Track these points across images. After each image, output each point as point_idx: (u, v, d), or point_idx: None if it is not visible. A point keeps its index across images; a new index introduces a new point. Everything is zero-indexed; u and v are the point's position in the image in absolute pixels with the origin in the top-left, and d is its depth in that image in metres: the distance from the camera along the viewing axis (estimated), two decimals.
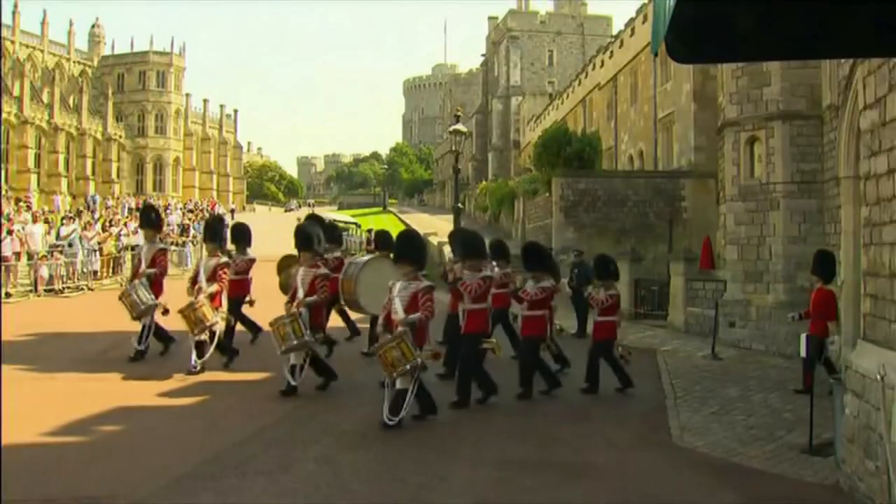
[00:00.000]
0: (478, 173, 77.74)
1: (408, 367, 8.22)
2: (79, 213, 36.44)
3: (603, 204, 29.39)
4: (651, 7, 21.75)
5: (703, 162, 30.29)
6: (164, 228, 23.93)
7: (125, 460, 6.89)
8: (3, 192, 49.14)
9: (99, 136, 74.44)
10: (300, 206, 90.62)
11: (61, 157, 68.86)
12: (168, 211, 45.34)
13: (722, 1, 4.17)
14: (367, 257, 13.43)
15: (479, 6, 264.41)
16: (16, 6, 71.76)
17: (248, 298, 12.64)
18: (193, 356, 10.81)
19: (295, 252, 10.84)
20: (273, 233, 44.78)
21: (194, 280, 11.53)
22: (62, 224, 27.31)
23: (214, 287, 11.19)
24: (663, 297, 18.92)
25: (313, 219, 14.98)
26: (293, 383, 9.57)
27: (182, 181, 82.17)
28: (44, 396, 9.21)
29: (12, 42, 70.83)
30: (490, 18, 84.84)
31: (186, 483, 6.38)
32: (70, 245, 24.33)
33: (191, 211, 48.32)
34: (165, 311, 11.64)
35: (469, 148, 75.98)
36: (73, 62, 79.05)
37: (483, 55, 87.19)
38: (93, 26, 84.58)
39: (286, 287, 11.63)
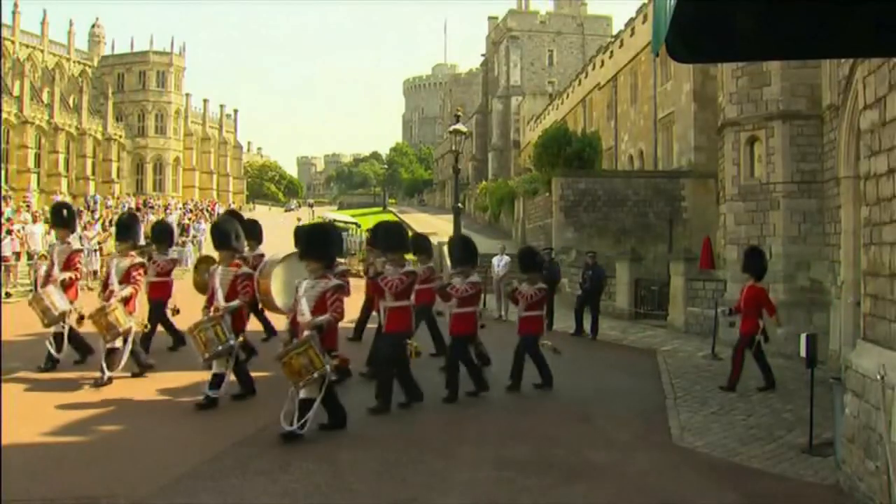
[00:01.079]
0: (478, 173, 77.73)
1: (315, 375, 7.59)
2: (79, 213, 36.39)
3: (603, 204, 29.40)
4: (651, 7, 21.77)
5: (703, 162, 30.29)
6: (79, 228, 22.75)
7: (125, 460, 6.88)
8: (4, 192, 49.12)
9: (99, 135, 74.45)
10: (300, 206, 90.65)
11: (61, 157, 68.90)
12: (168, 210, 45.41)
13: (722, 1, 4.17)
14: (284, 252, 12.18)
15: (479, 6, 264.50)
16: (16, 6, 71.79)
17: (172, 306, 11.88)
18: (103, 365, 9.86)
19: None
20: (273, 233, 44.87)
21: (106, 283, 10.63)
22: None
23: (128, 290, 10.25)
24: (663, 297, 18.94)
25: (232, 214, 14.53)
26: (212, 395, 8.84)
27: (182, 181, 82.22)
28: (44, 396, 9.21)
29: (12, 42, 70.84)
30: (490, 18, 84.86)
31: (186, 483, 6.38)
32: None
33: (191, 211, 48.32)
34: (81, 318, 10.64)
35: (469, 148, 75.99)
36: (73, 62, 79.06)
37: (483, 55, 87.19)
38: (93, 26, 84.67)
39: (202, 287, 10.98)
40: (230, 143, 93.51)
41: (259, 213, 78.93)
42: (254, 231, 13.45)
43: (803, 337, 8.77)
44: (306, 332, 7.77)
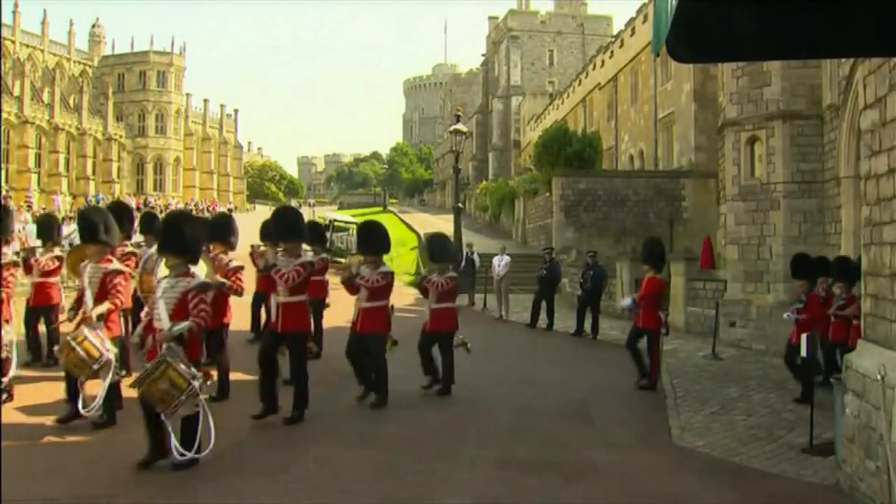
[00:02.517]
0: (478, 173, 77.73)
1: (183, 397, 6.42)
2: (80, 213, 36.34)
3: (603, 204, 29.44)
4: (651, 7, 21.77)
5: (703, 162, 30.33)
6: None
7: (125, 460, 6.87)
8: (4, 192, 49.13)
9: (99, 135, 74.52)
10: (300, 206, 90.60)
11: (62, 157, 68.98)
12: (169, 210, 45.41)
13: (723, 1, 4.17)
14: None
15: (480, 6, 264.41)
16: (16, 6, 71.90)
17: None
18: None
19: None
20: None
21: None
22: (63, 224, 27.29)
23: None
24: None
25: (118, 206, 13.24)
26: (85, 413, 7.48)
27: (182, 181, 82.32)
28: (44, 396, 9.20)
29: (13, 42, 70.91)
30: (490, 18, 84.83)
31: (187, 483, 6.38)
32: (71, 245, 24.32)
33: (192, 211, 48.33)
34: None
35: (469, 148, 75.99)
36: (74, 62, 79.17)
37: (483, 55, 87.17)
38: (93, 26, 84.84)
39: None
40: (230, 142, 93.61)
41: (260, 212, 79.15)
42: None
43: (804, 337, 8.77)
44: (162, 347, 6.53)
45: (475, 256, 22.86)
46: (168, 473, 6.54)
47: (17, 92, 66.14)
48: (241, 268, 9.55)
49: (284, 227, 8.84)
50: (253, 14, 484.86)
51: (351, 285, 9.39)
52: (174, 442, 6.44)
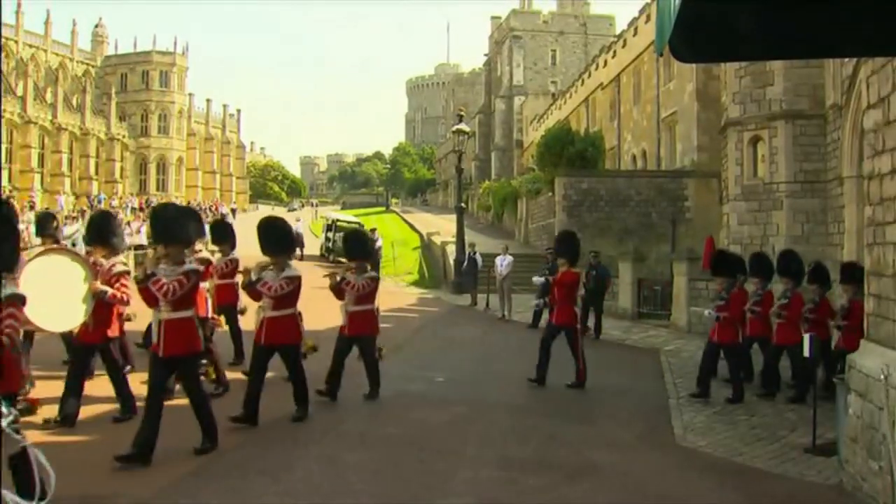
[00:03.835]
0: (480, 173, 77.71)
1: None
2: (82, 213, 36.45)
3: (606, 203, 29.41)
4: (654, 7, 21.76)
5: (706, 162, 30.30)
6: None
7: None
8: (7, 192, 49.19)
9: (102, 135, 74.59)
10: (303, 206, 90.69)
11: (64, 157, 69.06)
12: None
13: (726, 0, 4.16)
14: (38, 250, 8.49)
15: (482, 6, 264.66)
16: (19, 6, 71.92)
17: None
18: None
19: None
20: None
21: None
22: (65, 224, 27.34)
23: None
24: (666, 297, 18.90)
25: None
26: None
27: (185, 181, 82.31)
28: (45, 396, 9.20)
29: (16, 42, 70.98)
30: (493, 18, 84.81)
31: (189, 482, 6.38)
32: (73, 245, 24.37)
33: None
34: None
35: (472, 147, 75.91)
36: (77, 62, 79.25)
37: (486, 55, 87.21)
38: (96, 26, 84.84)
39: None
40: (233, 142, 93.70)
41: (262, 212, 79.21)
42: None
43: (807, 337, 8.76)
44: None
45: (478, 256, 22.83)
46: (169, 473, 6.54)
47: (20, 92, 66.20)
48: (127, 272, 8.21)
49: (166, 230, 7.25)
50: (255, 14, 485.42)
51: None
52: (9, 495, 4.97)
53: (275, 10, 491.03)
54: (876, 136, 6.77)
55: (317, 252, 36.10)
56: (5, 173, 60.27)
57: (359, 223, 37.80)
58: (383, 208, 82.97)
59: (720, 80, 19.94)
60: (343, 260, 36.00)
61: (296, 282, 8.39)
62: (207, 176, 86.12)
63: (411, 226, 49.78)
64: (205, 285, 9.34)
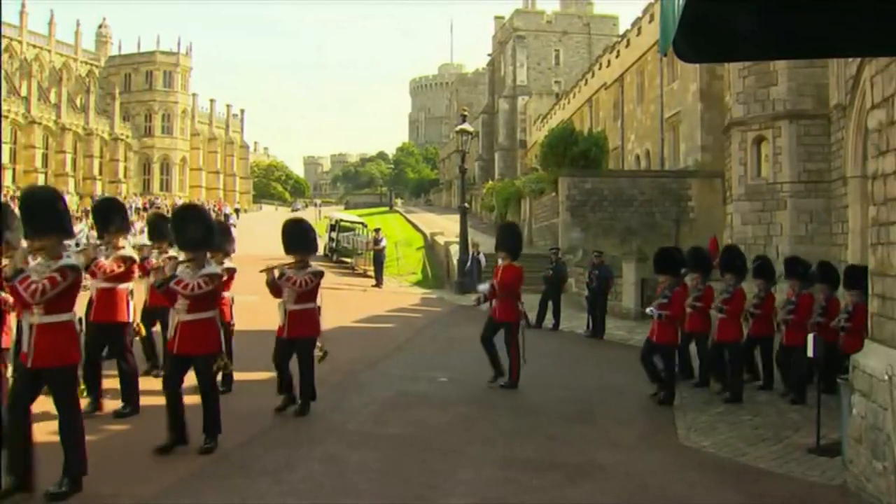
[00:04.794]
0: (484, 173, 77.72)
1: None
2: (86, 213, 36.52)
3: (609, 203, 29.39)
4: (658, 7, 21.74)
5: (709, 161, 30.29)
6: None
7: (130, 459, 6.89)
8: (11, 193, 49.28)
9: (106, 136, 74.76)
10: (306, 206, 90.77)
11: (68, 157, 69.28)
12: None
13: (729, 1, 4.16)
14: None
15: (486, 5, 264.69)
16: (23, 6, 72.15)
17: None
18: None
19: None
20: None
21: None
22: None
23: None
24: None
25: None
26: None
27: (189, 181, 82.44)
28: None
29: (20, 42, 71.15)
30: (496, 18, 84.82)
31: (191, 482, 6.39)
32: (77, 245, 24.40)
33: None
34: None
35: (475, 147, 75.95)
36: (80, 62, 79.47)
37: (489, 55, 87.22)
38: (100, 26, 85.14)
39: None
40: (236, 142, 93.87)
41: (266, 212, 79.28)
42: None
43: (811, 337, 8.73)
44: None
45: (481, 256, 22.86)
46: (172, 472, 6.55)
47: (24, 92, 66.43)
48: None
49: (36, 221, 6.21)
50: (259, 14, 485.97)
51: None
52: None
53: (278, 11, 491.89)
54: (880, 135, 6.75)
55: (320, 252, 36.15)
56: (9, 173, 60.46)
57: (362, 223, 37.88)
58: (387, 208, 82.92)
59: (724, 80, 19.91)
60: (347, 259, 36.04)
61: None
62: (211, 176, 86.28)
63: (415, 226, 49.78)
64: (129, 286, 8.62)
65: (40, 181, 64.07)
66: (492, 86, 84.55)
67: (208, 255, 9.15)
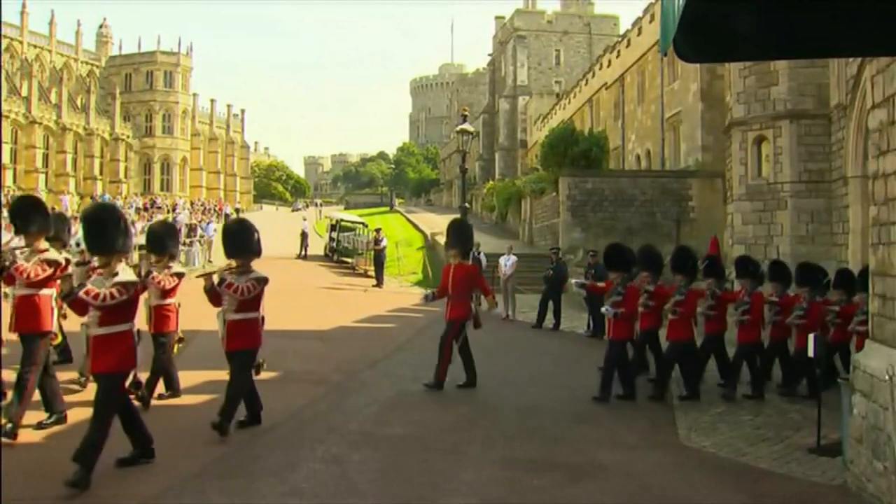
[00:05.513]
0: (484, 173, 77.69)
1: None
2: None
3: (610, 203, 29.40)
4: (658, 6, 21.75)
5: (710, 161, 30.28)
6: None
7: None
8: (11, 192, 49.30)
9: (107, 135, 74.75)
10: (307, 206, 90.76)
11: (69, 157, 69.30)
12: (176, 210, 45.54)
13: (730, 0, 4.17)
14: None
15: (486, 5, 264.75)
16: (24, 7, 72.16)
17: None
18: None
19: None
20: (279, 232, 44.92)
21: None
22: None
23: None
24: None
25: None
26: None
27: (189, 181, 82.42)
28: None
29: (21, 42, 71.18)
30: (497, 18, 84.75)
31: (193, 482, 6.40)
32: (77, 244, 24.36)
33: (200, 211, 48.41)
34: None
35: (476, 147, 75.94)
36: (81, 62, 79.44)
37: (490, 55, 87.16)
38: (100, 26, 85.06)
39: None
40: (237, 142, 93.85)
41: (266, 212, 79.27)
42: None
43: (811, 337, 8.74)
44: None
45: (482, 256, 22.85)
46: (174, 472, 6.56)
47: (24, 92, 66.43)
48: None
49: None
50: (259, 14, 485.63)
51: (214, 295, 7.86)
52: None
53: (278, 11, 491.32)
54: (881, 135, 6.76)
55: (321, 252, 36.21)
56: (10, 173, 60.50)
57: (363, 223, 37.88)
58: (387, 208, 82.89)
59: (724, 80, 19.91)
60: (348, 259, 35.94)
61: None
62: (212, 176, 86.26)
63: (415, 226, 49.76)
64: (49, 292, 7.85)
65: (41, 181, 64.18)
66: (492, 86, 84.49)
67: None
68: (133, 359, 6.59)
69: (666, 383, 10.74)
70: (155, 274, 8.81)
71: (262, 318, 8.11)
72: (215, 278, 7.82)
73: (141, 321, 7.24)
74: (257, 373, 8.20)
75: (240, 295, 7.75)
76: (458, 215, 29.68)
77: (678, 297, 10.75)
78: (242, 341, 7.86)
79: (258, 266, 8.24)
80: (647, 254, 11.55)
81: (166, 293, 9.05)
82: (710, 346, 11.22)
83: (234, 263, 8.11)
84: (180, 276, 9.24)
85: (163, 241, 9.39)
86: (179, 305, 9.32)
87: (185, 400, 9.43)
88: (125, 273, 6.64)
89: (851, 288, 11.06)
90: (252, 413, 8.17)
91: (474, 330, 10.86)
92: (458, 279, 10.71)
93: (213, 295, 7.86)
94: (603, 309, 10.94)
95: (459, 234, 11.23)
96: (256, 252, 8.20)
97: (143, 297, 7.64)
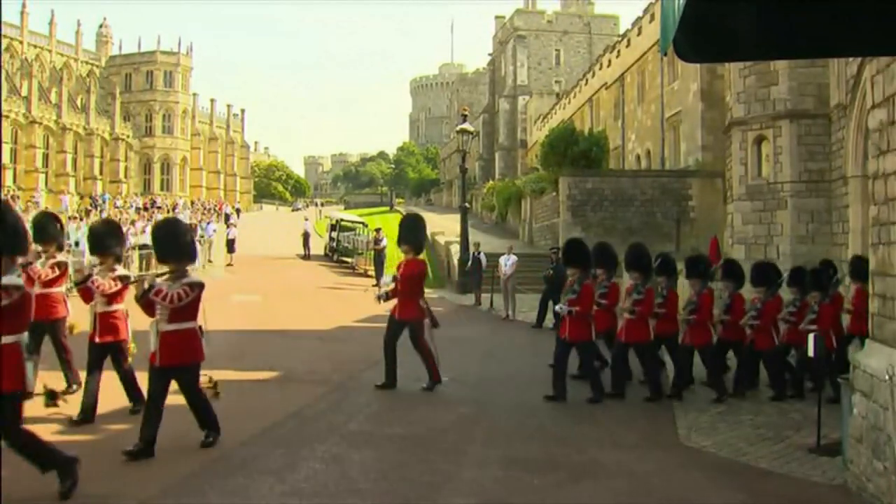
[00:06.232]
0: (485, 173, 77.74)
1: None
2: (87, 213, 36.53)
3: (610, 203, 29.40)
4: (658, 6, 21.75)
5: (710, 161, 30.30)
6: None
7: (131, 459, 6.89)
8: (11, 192, 49.31)
9: (107, 135, 74.75)
10: (307, 206, 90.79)
11: (69, 157, 69.29)
12: (176, 210, 45.52)
13: (730, 0, 4.17)
14: None
15: (487, 5, 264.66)
16: (24, 6, 72.17)
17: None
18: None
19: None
20: (280, 232, 44.90)
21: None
22: (69, 223, 27.33)
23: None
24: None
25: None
26: None
27: (189, 181, 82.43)
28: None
29: (21, 42, 71.19)
30: (497, 17, 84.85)
31: (193, 482, 6.40)
32: (77, 244, 24.39)
33: (201, 211, 48.39)
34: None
35: (476, 147, 75.95)
36: (81, 62, 79.45)
37: (490, 54, 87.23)
38: (100, 26, 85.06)
39: None
40: (237, 142, 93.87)
41: (266, 212, 79.32)
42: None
43: (811, 337, 8.74)
44: None
45: (482, 256, 22.87)
46: (174, 472, 6.56)
47: (24, 92, 66.43)
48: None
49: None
50: (259, 14, 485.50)
51: (147, 304, 7.04)
52: None
53: (278, 11, 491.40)
54: (881, 135, 6.76)
55: (321, 252, 36.22)
56: (10, 173, 60.53)
57: (363, 223, 37.89)
58: (387, 208, 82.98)
59: (725, 80, 19.92)
60: (348, 259, 35.93)
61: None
62: (212, 176, 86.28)
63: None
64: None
65: (41, 181, 64.16)
66: (492, 85, 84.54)
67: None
68: (18, 380, 5.66)
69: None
70: (95, 277, 8.07)
71: (201, 329, 7.22)
72: (146, 284, 7.01)
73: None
74: (216, 395, 7.88)
75: (169, 302, 6.90)
76: (458, 214, 29.73)
77: (636, 297, 10.63)
78: (177, 356, 7.02)
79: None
80: (603, 251, 11.47)
81: (112, 298, 8.18)
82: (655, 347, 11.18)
83: (165, 268, 7.34)
84: (125, 279, 8.31)
85: (103, 240, 8.43)
86: (128, 313, 8.42)
87: (184, 400, 9.42)
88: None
89: (804, 286, 11.06)
90: (145, 441, 6.90)
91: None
92: (407, 276, 10.35)
93: (146, 303, 7.04)
94: (557, 307, 10.64)
95: (411, 228, 10.85)
96: (190, 255, 7.44)
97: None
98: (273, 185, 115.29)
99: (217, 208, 56.49)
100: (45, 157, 67.62)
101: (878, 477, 6.25)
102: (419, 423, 8.78)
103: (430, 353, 10.32)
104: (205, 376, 7.58)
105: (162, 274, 7.35)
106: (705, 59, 5.48)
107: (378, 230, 29.25)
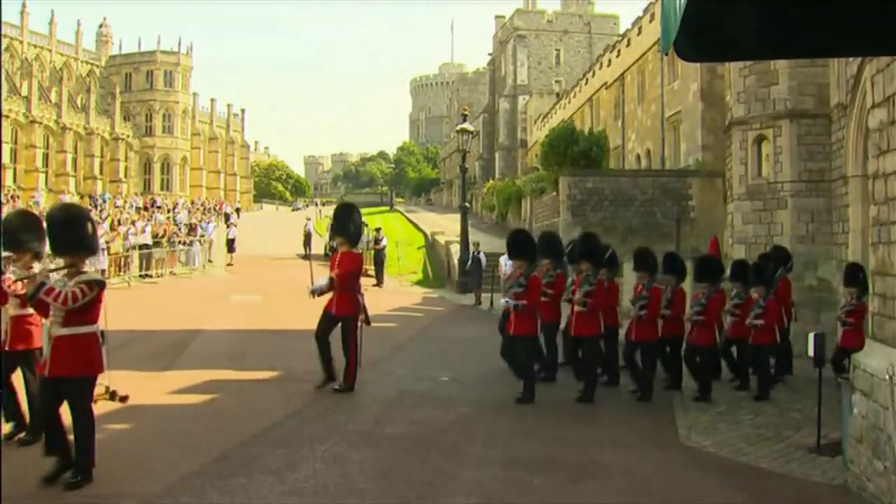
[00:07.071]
0: (485, 172, 77.70)
1: None
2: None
3: (610, 203, 29.38)
4: (658, 6, 21.75)
5: (710, 161, 30.28)
6: None
7: (133, 458, 6.90)
8: (11, 192, 49.30)
9: (107, 135, 74.73)
10: (307, 206, 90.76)
11: (69, 157, 69.28)
12: (176, 210, 45.51)
13: (731, 0, 4.17)
14: None
15: (487, 5, 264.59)
16: (24, 6, 72.16)
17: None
18: None
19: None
20: (280, 231, 44.89)
21: None
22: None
23: None
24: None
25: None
26: None
27: (189, 180, 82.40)
28: None
29: (21, 42, 71.19)
30: (497, 17, 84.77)
31: (194, 481, 6.40)
32: None
33: (201, 211, 48.38)
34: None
35: (476, 147, 75.90)
36: (81, 62, 79.41)
37: (490, 54, 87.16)
38: (100, 26, 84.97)
39: None
40: (237, 142, 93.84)
41: (266, 212, 79.33)
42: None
43: (811, 336, 8.74)
44: None
45: (482, 256, 22.88)
46: (174, 472, 6.56)
47: (24, 92, 66.41)
48: None
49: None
50: (259, 14, 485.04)
51: (40, 304, 6.22)
52: None
53: (278, 11, 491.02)
54: (881, 135, 6.76)
55: (321, 251, 36.20)
56: (10, 173, 60.52)
57: (363, 223, 37.86)
58: (387, 208, 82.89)
59: (725, 80, 19.91)
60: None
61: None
62: (212, 175, 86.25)
63: (415, 225, 49.77)
64: None
65: (41, 181, 64.13)
66: (492, 85, 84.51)
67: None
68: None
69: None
70: (7, 276, 7.06)
71: (103, 334, 6.37)
72: (39, 281, 6.16)
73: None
74: (121, 399, 6.96)
75: (63, 303, 6.02)
76: (458, 214, 29.70)
77: (587, 288, 10.56)
78: (70, 365, 6.10)
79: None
80: (548, 241, 11.42)
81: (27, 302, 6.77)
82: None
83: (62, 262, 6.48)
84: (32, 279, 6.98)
85: (16, 234, 7.12)
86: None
87: (184, 399, 9.45)
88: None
89: (748, 281, 11.08)
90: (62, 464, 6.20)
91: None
92: (345, 269, 9.95)
93: (39, 304, 6.20)
94: (503, 300, 10.45)
95: (344, 219, 10.39)
96: (89, 248, 6.51)
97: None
98: (273, 185, 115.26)
99: (217, 208, 56.48)
100: (45, 157, 67.61)
101: (878, 477, 6.26)
102: (419, 422, 8.78)
103: (355, 354, 9.90)
104: (100, 386, 6.66)
105: (56, 269, 6.46)
106: (706, 59, 5.49)
107: (378, 230, 29.25)
